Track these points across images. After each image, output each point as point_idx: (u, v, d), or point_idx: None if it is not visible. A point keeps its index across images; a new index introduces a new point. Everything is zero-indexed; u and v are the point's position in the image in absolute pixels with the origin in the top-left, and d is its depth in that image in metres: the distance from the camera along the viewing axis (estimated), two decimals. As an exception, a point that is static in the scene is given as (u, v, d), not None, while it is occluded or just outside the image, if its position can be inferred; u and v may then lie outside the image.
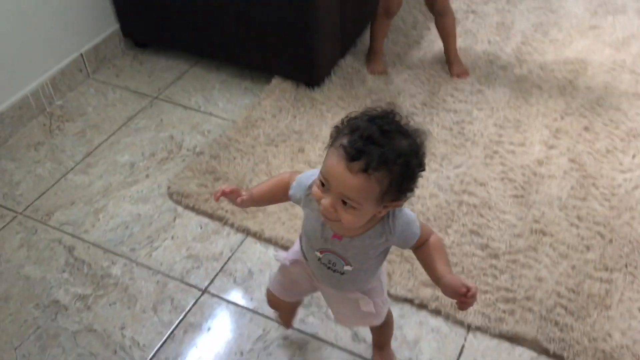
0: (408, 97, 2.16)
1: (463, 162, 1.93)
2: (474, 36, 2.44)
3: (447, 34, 2.22)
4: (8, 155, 2.01)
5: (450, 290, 1.00)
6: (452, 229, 1.72)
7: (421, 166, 0.95)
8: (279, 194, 1.12)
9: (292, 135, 2.03)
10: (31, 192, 1.89)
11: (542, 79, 2.22)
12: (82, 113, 2.17)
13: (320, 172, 0.94)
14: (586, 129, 2.01)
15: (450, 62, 2.26)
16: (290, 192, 1.08)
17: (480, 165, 1.91)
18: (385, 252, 1.09)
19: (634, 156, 1.92)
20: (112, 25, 2.36)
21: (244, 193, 1.11)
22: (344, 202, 0.91)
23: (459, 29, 2.46)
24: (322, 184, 0.93)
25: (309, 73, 2.18)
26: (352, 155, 0.89)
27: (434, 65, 2.30)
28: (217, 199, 1.11)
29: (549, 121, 2.05)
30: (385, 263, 1.15)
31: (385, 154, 0.89)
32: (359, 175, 0.89)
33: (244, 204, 1.12)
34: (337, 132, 0.94)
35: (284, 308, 1.42)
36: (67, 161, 1.99)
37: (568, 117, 2.06)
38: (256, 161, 1.94)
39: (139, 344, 1.50)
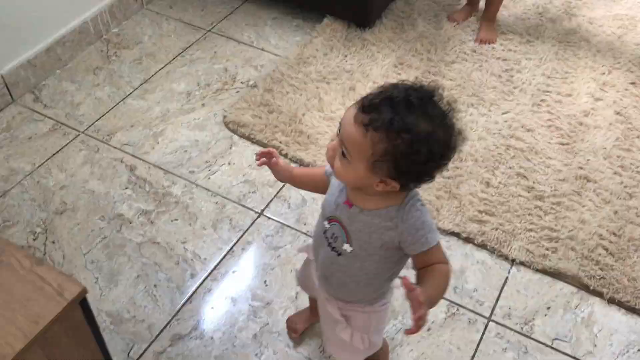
0: (458, 43, 2.20)
1: (511, 108, 1.97)
2: (525, -13, 2.45)
3: None
4: (68, 78, 2.07)
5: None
6: (499, 171, 1.78)
7: (432, 159, 0.87)
8: (317, 178, 1.10)
9: (343, 74, 2.08)
10: (92, 113, 1.96)
11: (591, 33, 2.24)
12: (138, 41, 2.22)
13: None
14: (633, 83, 2.05)
15: (481, 27, 2.23)
16: (326, 167, 1.06)
17: (527, 112, 1.96)
18: (391, 254, 1.00)
19: (679, 111, 1.96)
20: (167, -43, 2.40)
21: (281, 161, 1.12)
22: (343, 154, 0.90)
23: (510, -20, 2.48)
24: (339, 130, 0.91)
25: (361, 13, 2.21)
26: (364, 106, 0.86)
27: (484, 14, 2.32)
28: (260, 164, 1.11)
29: (596, 74, 2.08)
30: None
31: (393, 120, 0.84)
32: (358, 126, 0.86)
33: (278, 168, 1.11)
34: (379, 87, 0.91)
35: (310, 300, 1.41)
36: (125, 86, 2.05)
37: (615, 71, 2.09)
38: (308, 97, 2.00)
39: (200, 257, 1.59)
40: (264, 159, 1.10)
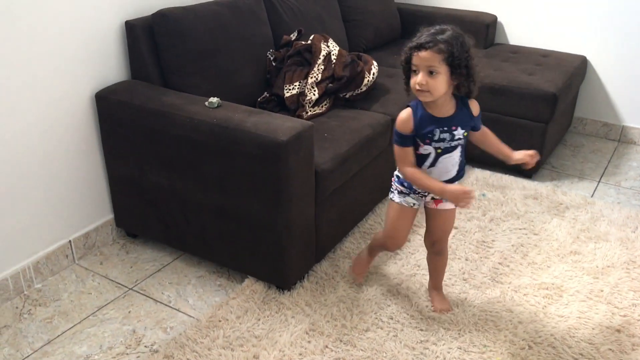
0: (376, 309, 2.15)
1: (420, 386, 1.84)
2: (453, 252, 2.46)
3: (436, 270, 2.16)
4: (-29, 337, 2.05)
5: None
6: None
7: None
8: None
9: (251, 340, 2.01)
10: (-20, 377, 1.89)
11: (515, 302, 2.18)
12: (56, 298, 2.23)
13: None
14: (554, 361, 1.93)
15: (433, 297, 2.19)
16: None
17: (436, 392, 1.82)
18: None
19: (602, 397, 1.80)
20: (106, 216, 2.51)
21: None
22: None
23: (438, 244, 2.51)
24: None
25: (279, 276, 2.22)
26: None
27: (410, 278, 2.30)
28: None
29: (515, 349, 1.97)
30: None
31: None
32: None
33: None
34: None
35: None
36: (25, 348, 2.00)
37: (536, 346, 1.98)
38: (208, 365, 1.91)
39: None
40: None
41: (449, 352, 1.97)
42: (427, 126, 1.77)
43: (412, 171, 1.82)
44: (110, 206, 2.52)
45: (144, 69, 2.40)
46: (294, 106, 2.60)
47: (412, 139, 1.80)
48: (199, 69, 2.42)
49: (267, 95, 2.65)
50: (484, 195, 2.89)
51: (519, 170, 3.11)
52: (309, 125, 2.09)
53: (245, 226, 2.16)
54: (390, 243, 2.07)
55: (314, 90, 2.59)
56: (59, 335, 2.06)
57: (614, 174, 3.20)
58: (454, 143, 1.80)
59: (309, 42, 2.71)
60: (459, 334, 2.04)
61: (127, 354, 1.98)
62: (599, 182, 3.11)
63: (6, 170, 2.09)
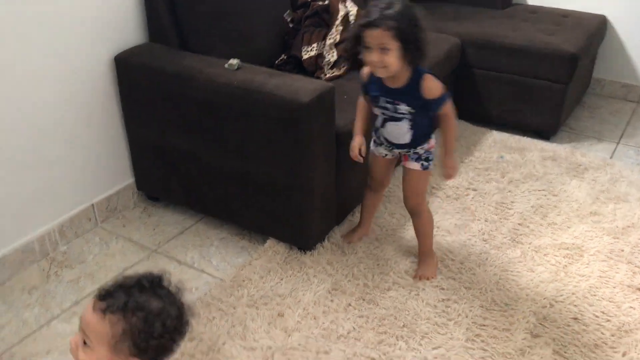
0: (397, 269, 2.17)
1: (443, 343, 1.87)
2: (472, 214, 2.47)
3: (417, 234, 2.16)
4: (1, 298, 2.08)
5: None
6: (419, 418, 1.63)
7: (167, 332, 1.11)
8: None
9: (275, 298, 2.04)
10: (13, 336, 1.93)
11: (536, 262, 2.20)
12: (82, 261, 2.26)
13: None
14: (575, 319, 1.95)
15: (419, 262, 2.18)
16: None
17: (460, 349, 1.85)
18: None
19: (624, 354, 1.82)
20: (127, 179, 2.53)
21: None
22: (85, 342, 1.13)
23: (457, 206, 2.52)
24: None
25: (300, 238, 2.24)
26: (100, 295, 1.10)
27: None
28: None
29: (537, 307, 1.99)
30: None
31: (128, 302, 1.07)
32: (97, 313, 1.07)
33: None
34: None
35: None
36: (54, 308, 2.04)
37: (557, 304, 2.00)
38: (234, 323, 1.94)
39: None
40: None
41: (470, 310, 1.99)
42: (375, 91, 1.88)
43: (359, 103, 2.01)
44: (131, 170, 2.53)
45: (162, 31, 2.38)
46: (312, 68, 2.59)
47: (365, 90, 1.94)
48: (216, 31, 2.40)
49: (285, 57, 2.63)
50: (502, 157, 2.89)
51: (537, 132, 3.10)
52: (330, 86, 2.08)
53: (267, 189, 2.17)
54: (370, 181, 2.20)
55: (333, 52, 2.57)
56: (85, 296, 2.10)
57: (634, 135, 3.17)
58: (398, 115, 1.87)
59: (327, 2, 2.68)
60: (480, 292, 2.06)
61: (154, 313, 2.02)
62: (618, 143, 3.09)
63: (29, 135, 2.10)
